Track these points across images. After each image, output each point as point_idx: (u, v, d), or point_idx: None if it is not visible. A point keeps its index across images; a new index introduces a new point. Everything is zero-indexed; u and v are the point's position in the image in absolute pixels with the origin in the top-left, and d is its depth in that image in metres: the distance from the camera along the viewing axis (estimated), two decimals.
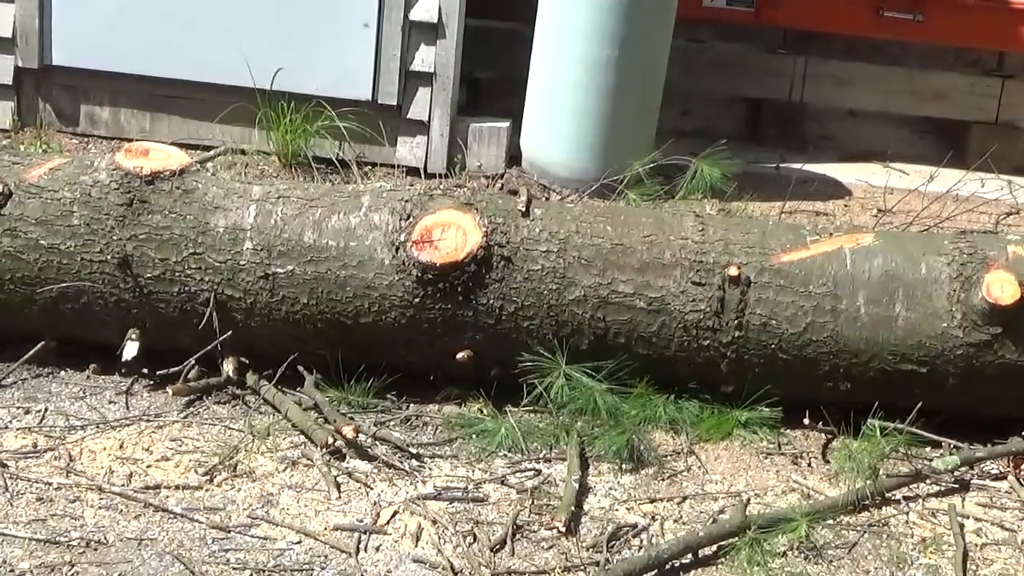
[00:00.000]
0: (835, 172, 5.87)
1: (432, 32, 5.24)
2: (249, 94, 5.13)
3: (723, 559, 2.98)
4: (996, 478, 3.44)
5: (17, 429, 3.30)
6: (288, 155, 5.18)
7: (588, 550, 2.98)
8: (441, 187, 4.19)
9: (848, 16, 6.15)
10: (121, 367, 3.54)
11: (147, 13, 5.26)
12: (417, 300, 3.44)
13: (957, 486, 3.38)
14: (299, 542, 2.94)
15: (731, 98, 6.42)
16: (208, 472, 3.16)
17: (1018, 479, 3.41)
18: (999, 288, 3.40)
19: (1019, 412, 3.52)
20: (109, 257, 3.46)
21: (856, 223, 5.25)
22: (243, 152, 5.25)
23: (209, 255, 3.47)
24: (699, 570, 2.95)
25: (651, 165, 4.94)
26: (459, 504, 3.13)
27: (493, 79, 5.84)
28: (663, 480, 3.33)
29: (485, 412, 3.52)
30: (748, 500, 3.23)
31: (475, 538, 3.00)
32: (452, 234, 3.44)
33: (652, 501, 3.22)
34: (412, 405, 3.55)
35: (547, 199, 5.01)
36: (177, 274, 3.47)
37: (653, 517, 3.15)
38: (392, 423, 3.47)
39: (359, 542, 2.95)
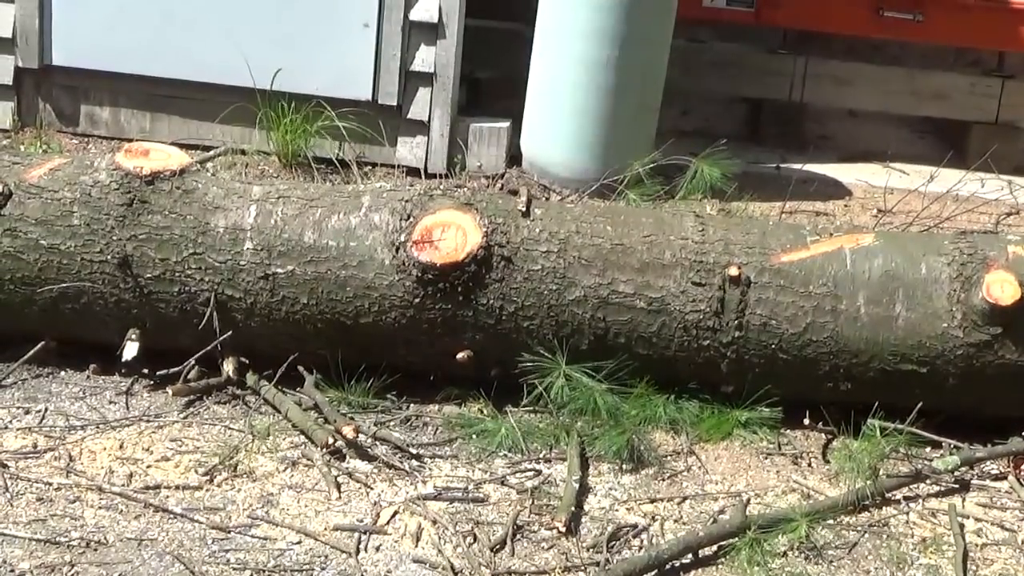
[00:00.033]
0: (835, 172, 5.87)
1: (432, 32, 5.24)
2: (249, 94, 5.13)
3: (723, 559, 2.98)
4: (996, 478, 3.44)
5: (17, 429, 3.30)
6: (288, 155, 5.18)
7: (588, 550, 2.98)
8: (441, 187, 4.19)
9: (848, 16, 6.15)
10: (121, 367, 3.54)
11: (147, 13, 5.26)
12: (417, 300, 3.44)
13: (957, 486, 3.38)
14: (299, 542, 2.94)
15: (731, 98, 6.42)
16: (208, 472, 3.16)
17: (1018, 479, 3.41)
18: (999, 288, 3.40)
19: (1019, 412, 3.52)
20: (109, 257, 3.46)
21: (856, 223, 5.25)
22: (243, 152, 5.25)
23: (209, 255, 3.47)
24: (699, 570, 2.95)
25: (651, 165, 4.94)
26: (459, 504, 3.13)
27: (493, 79, 5.84)
28: (663, 480, 3.33)
29: (485, 412, 3.52)
30: (748, 500, 3.23)
31: (475, 538, 3.00)
32: (452, 234, 3.44)
33: (652, 501, 3.22)
34: (412, 405, 3.55)
35: (547, 199, 5.01)
36: (177, 274, 3.47)
37: (653, 517, 3.15)
38: (392, 423, 3.47)
39: (359, 542, 2.95)
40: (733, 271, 3.47)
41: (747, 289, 3.48)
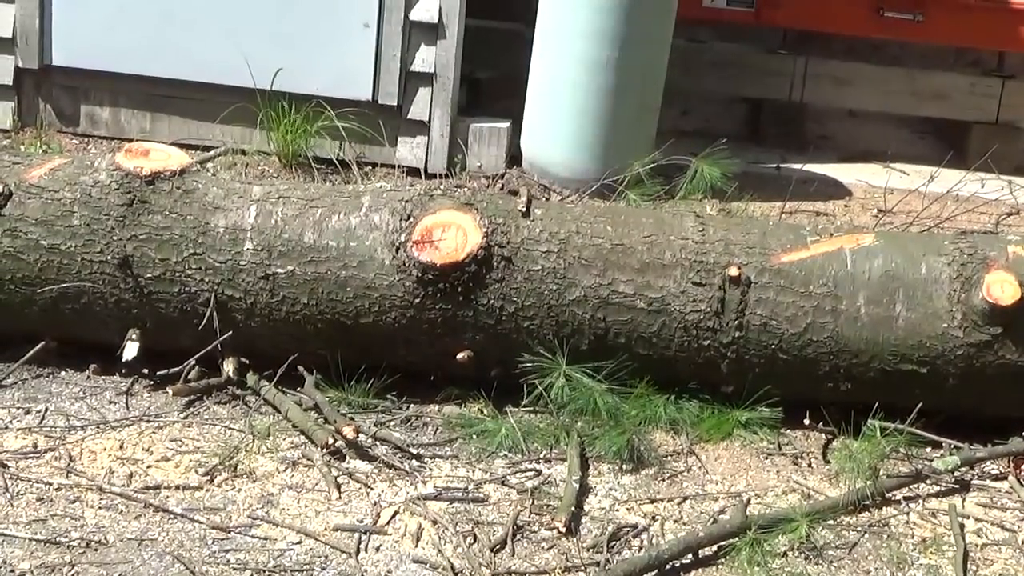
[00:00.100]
0: (835, 172, 5.87)
1: (432, 32, 5.24)
2: (249, 94, 5.13)
3: (723, 559, 2.98)
4: (996, 478, 3.44)
5: (17, 429, 3.30)
6: (288, 155, 5.18)
7: (588, 550, 2.98)
8: (441, 187, 4.19)
9: (848, 16, 6.16)
10: (121, 367, 3.54)
11: (147, 13, 5.26)
12: (417, 300, 3.44)
13: (957, 486, 3.38)
14: (299, 542, 2.94)
15: (731, 98, 6.43)
16: (208, 472, 3.16)
17: (1018, 479, 3.41)
18: (999, 288, 3.40)
19: (1019, 412, 3.52)
20: (109, 257, 3.46)
21: (856, 223, 5.25)
22: (243, 152, 5.25)
23: (209, 255, 3.47)
24: (699, 570, 2.95)
25: (651, 165, 4.94)
26: (459, 504, 3.13)
27: (493, 79, 5.84)
28: (663, 480, 3.33)
29: (485, 412, 3.52)
30: (748, 500, 3.23)
31: (475, 538, 3.00)
32: (452, 234, 3.44)
33: (652, 501, 3.22)
34: (412, 405, 3.55)
35: (547, 199, 5.01)
36: (177, 274, 3.47)
37: (653, 517, 3.15)
38: (392, 423, 3.47)
39: (359, 542, 2.95)
40: (733, 271, 3.47)
41: (747, 289, 3.48)
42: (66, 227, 3.47)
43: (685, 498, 3.25)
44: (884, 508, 3.25)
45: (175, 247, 3.46)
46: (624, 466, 3.35)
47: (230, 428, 3.38)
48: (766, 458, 3.47)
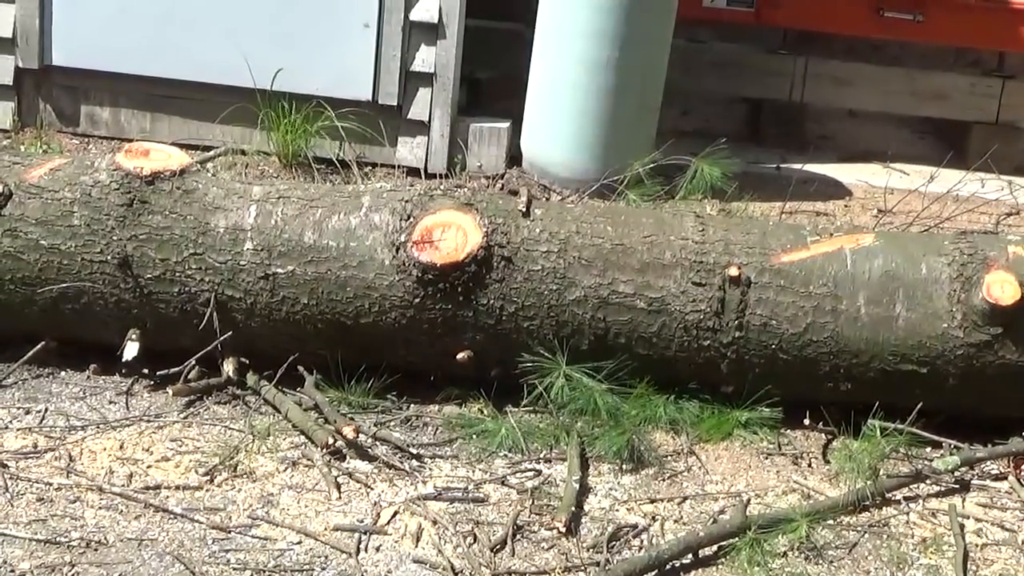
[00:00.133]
0: (835, 172, 5.87)
1: (432, 32, 5.24)
2: (249, 94, 5.13)
3: (723, 559, 2.98)
4: (996, 478, 3.44)
5: (17, 429, 3.30)
6: (288, 155, 5.18)
7: (588, 550, 2.98)
8: (441, 187, 4.19)
9: (848, 16, 6.16)
10: (121, 367, 3.54)
11: (147, 13, 5.26)
12: (417, 300, 3.44)
13: (957, 486, 3.38)
14: (299, 542, 2.94)
15: (731, 98, 6.43)
16: (208, 472, 3.16)
17: (1018, 479, 3.41)
18: (999, 288, 3.40)
19: (1019, 412, 3.52)
20: (109, 257, 3.46)
21: (856, 223, 5.25)
22: (243, 152, 5.25)
23: (209, 255, 3.47)
24: (699, 570, 2.95)
25: (651, 165, 4.94)
26: (459, 504, 3.13)
27: (493, 79, 5.84)
28: (663, 480, 3.33)
29: (485, 412, 3.52)
30: (748, 500, 3.23)
31: (475, 538, 3.00)
32: (452, 234, 3.44)
33: (652, 501, 3.22)
34: (412, 405, 3.55)
35: (547, 199, 5.01)
36: (177, 274, 3.47)
37: (653, 517, 3.15)
38: (392, 423, 3.47)
39: (359, 542, 2.95)
40: (733, 271, 3.47)
41: (747, 289, 3.48)
42: (66, 227, 3.47)
43: (685, 498, 3.25)
44: (884, 508, 3.25)
45: (175, 247, 3.46)
46: (624, 466, 3.35)
47: (230, 428, 3.38)
48: (766, 458, 3.47)
